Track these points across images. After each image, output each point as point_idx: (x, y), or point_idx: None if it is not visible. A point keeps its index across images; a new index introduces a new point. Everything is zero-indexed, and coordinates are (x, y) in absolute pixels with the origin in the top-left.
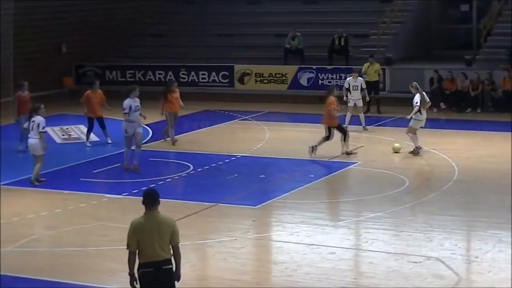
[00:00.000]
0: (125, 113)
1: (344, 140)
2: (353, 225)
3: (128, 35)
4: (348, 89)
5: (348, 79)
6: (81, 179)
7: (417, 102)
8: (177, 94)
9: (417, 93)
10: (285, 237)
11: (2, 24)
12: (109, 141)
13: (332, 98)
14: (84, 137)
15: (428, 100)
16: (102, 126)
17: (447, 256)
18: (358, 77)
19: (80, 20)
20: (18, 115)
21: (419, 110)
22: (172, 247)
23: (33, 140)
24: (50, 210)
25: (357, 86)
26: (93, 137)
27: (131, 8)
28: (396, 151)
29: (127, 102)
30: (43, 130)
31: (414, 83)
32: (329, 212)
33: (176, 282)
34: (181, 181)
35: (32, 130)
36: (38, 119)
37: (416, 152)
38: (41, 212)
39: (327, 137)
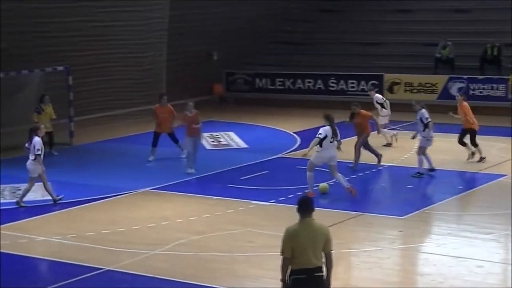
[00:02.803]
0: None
1: None
2: (502, 238)
3: (277, 43)
4: None
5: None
6: (229, 185)
7: (427, 118)
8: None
9: (420, 109)
10: (432, 249)
11: (155, 32)
12: (183, 155)
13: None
14: (233, 144)
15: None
16: (174, 140)
17: None
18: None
19: (231, 28)
20: (187, 135)
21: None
22: (325, 254)
23: (28, 161)
24: (198, 215)
25: None
26: (241, 143)
27: (280, 16)
28: (323, 191)
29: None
30: (38, 152)
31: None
32: (477, 224)
33: None
34: (328, 189)
35: (30, 151)
36: (35, 140)
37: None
38: (189, 217)
39: None
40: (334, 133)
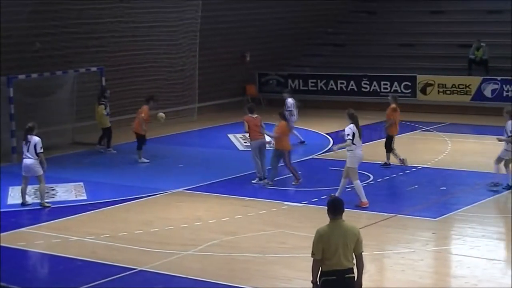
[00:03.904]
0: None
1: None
2: None
3: (309, 44)
4: None
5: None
6: (262, 186)
7: (511, 131)
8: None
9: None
10: (465, 251)
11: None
12: (145, 161)
13: None
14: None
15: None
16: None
17: None
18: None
19: (263, 29)
20: (250, 139)
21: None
22: (355, 256)
23: (29, 160)
24: (231, 216)
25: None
26: None
27: (312, 17)
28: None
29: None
30: (41, 151)
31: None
32: None
33: None
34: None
35: (28, 151)
36: (34, 139)
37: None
38: (222, 217)
39: None
40: (359, 132)
